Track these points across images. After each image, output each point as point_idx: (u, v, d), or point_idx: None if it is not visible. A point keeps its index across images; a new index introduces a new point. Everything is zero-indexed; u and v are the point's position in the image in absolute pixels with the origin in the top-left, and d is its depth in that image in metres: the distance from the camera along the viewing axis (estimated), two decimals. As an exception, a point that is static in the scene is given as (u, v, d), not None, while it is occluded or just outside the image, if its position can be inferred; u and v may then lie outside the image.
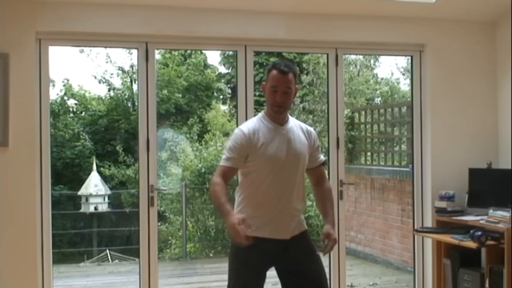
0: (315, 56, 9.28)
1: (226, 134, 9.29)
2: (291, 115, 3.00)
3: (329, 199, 2.99)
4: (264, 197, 2.82)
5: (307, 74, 9.73)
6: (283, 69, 2.81)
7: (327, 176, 3.14)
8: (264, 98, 2.93)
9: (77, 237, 9.96)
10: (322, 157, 3.03)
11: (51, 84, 5.09)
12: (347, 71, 9.57)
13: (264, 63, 9.91)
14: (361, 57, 10.20)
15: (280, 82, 2.80)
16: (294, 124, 2.95)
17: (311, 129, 3.03)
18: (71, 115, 11.14)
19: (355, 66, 10.43)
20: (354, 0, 4.41)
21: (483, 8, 4.64)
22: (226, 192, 2.68)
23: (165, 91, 10.38)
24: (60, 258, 8.47)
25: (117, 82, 11.13)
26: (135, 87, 10.54)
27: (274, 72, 2.82)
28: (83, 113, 11.20)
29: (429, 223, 4.70)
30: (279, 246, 2.83)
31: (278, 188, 2.81)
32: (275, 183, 2.80)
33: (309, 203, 8.05)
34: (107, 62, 10.91)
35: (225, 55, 11.88)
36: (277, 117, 2.86)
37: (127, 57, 10.85)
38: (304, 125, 3.02)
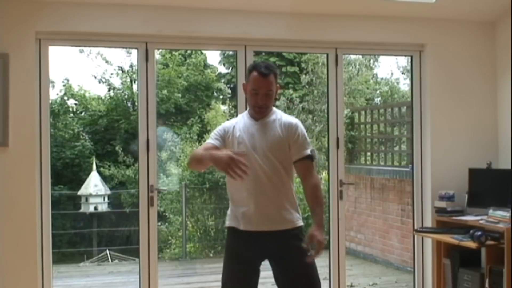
0: (314, 56, 9.27)
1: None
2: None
3: (314, 196, 2.80)
4: (239, 189, 2.84)
5: (306, 73, 9.73)
6: (263, 71, 2.81)
7: (314, 171, 2.91)
8: None
9: (77, 237, 9.96)
10: (307, 151, 2.86)
11: (51, 85, 5.08)
12: (346, 70, 9.58)
13: (264, 63, 9.90)
14: (360, 56, 10.20)
15: (261, 85, 2.81)
16: (275, 117, 2.91)
17: (292, 121, 2.91)
18: (71, 115, 11.14)
19: (354, 65, 10.43)
20: (354, 0, 4.41)
21: (483, 8, 4.64)
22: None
23: (165, 91, 10.38)
24: (60, 258, 8.47)
25: (117, 82, 11.14)
26: (135, 87, 10.54)
27: (255, 74, 2.83)
28: (83, 113, 11.20)
29: (429, 223, 4.70)
30: (264, 238, 2.82)
31: (250, 181, 2.77)
32: (248, 177, 2.75)
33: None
34: (107, 62, 10.92)
35: (225, 55, 11.88)
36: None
37: (126, 57, 10.87)
38: (286, 118, 2.93)
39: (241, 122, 2.94)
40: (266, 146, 2.84)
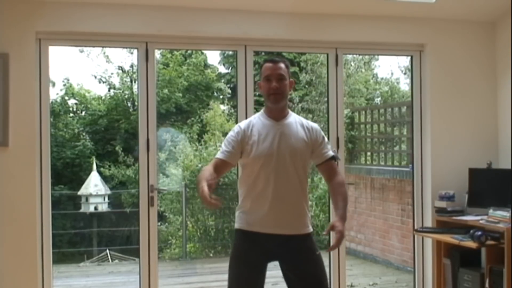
0: (314, 55, 9.27)
1: (225, 134, 9.28)
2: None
3: (339, 193, 2.87)
4: (259, 191, 2.83)
5: (306, 73, 9.73)
6: (274, 59, 2.89)
7: (338, 170, 3.00)
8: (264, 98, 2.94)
9: (77, 237, 9.97)
10: (330, 152, 2.94)
11: (51, 84, 5.08)
12: (344, 69, 9.57)
13: (264, 63, 9.90)
14: (357, 56, 10.19)
15: (273, 70, 2.85)
16: (294, 120, 2.93)
17: (313, 124, 2.98)
18: (71, 115, 11.16)
19: (352, 63, 10.43)
20: (354, 0, 4.41)
21: (483, 8, 4.64)
22: (211, 174, 2.65)
23: (165, 91, 10.39)
24: (60, 258, 8.48)
25: (117, 82, 11.15)
26: (135, 87, 10.54)
27: (266, 64, 2.89)
28: (83, 113, 11.22)
29: (429, 223, 4.70)
30: (276, 241, 2.82)
31: (271, 183, 2.80)
32: (268, 178, 2.80)
33: (309, 203, 8.06)
34: (107, 62, 10.95)
35: (225, 55, 11.90)
36: (276, 109, 2.87)
37: (127, 57, 10.89)
38: (306, 121, 2.98)
39: (259, 123, 2.89)
40: (292, 148, 2.84)
